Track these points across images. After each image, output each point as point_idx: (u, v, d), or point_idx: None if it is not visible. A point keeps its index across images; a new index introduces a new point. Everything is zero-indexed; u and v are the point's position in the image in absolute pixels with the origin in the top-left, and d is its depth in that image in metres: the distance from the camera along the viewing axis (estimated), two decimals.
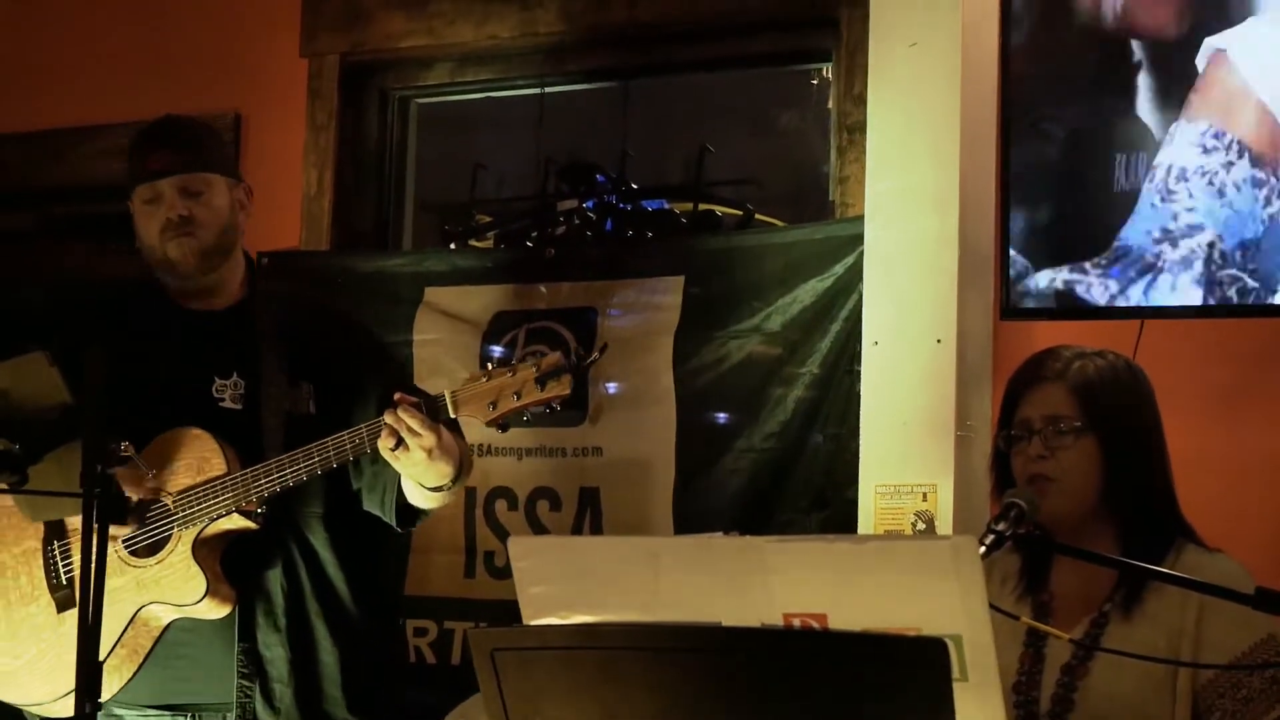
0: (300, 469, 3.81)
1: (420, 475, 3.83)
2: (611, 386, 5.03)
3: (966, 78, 4.36)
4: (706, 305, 4.96)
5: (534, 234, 5.29)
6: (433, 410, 3.73)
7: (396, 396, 3.74)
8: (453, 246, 5.44)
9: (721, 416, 4.94)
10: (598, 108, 5.60)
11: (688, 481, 4.88)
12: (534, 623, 2.61)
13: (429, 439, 3.71)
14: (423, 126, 5.90)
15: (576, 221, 5.22)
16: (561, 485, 5.00)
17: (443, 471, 3.83)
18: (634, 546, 2.66)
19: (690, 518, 4.82)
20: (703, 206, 5.18)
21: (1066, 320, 4.21)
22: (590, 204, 5.22)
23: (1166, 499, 3.31)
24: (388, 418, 3.71)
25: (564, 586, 2.61)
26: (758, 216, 5.18)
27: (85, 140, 5.97)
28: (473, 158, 5.65)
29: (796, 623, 2.43)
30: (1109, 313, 4.16)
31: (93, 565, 3.09)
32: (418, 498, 3.96)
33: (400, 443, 3.71)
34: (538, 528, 5.02)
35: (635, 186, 5.25)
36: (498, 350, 5.14)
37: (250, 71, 5.79)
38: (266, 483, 3.82)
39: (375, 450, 3.78)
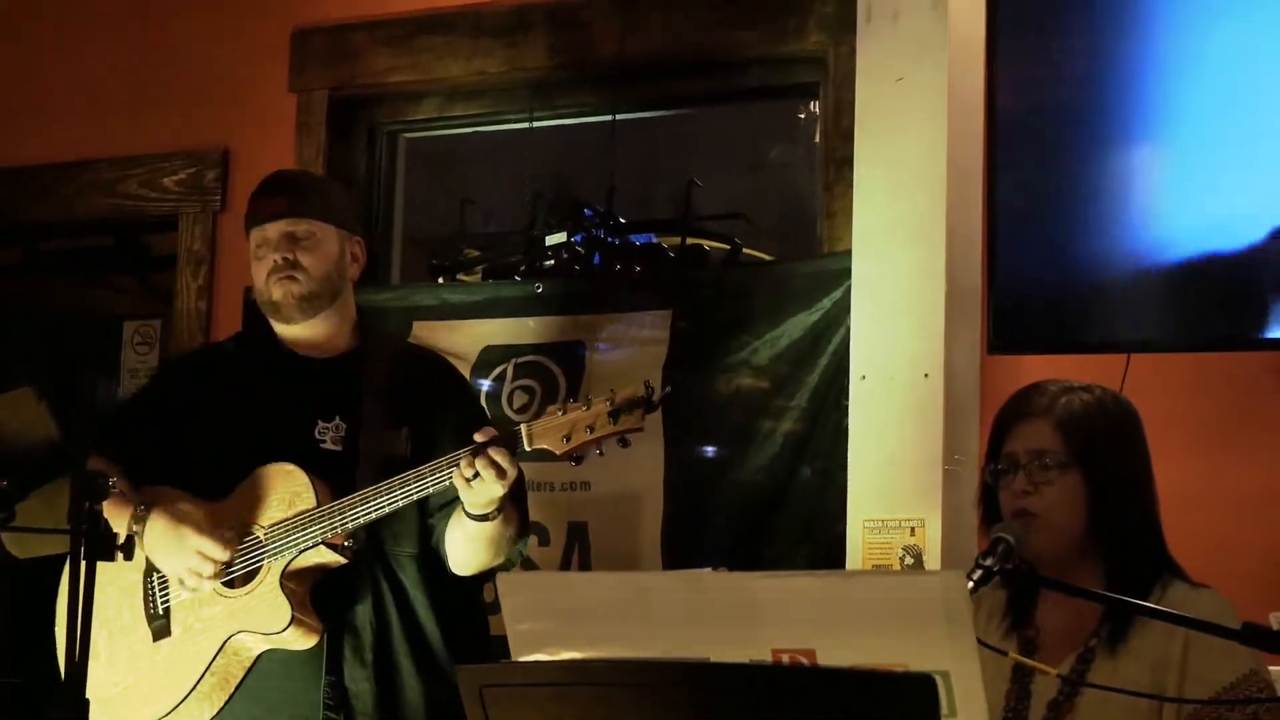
0: (384, 501, 3.92)
1: (478, 502, 3.90)
2: None
3: (953, 113, 4.38)
4: (694, 339, 4.96)
5: (522, 268, 5.30)
6: (510, 442, 3.85)
7: (481, 432, 3.85)
8: (440, 281, 5.45)
9: (710, 450, 4.94)
10: (586, 142, 5.60)
11: (676, 516, 4.88)
12: (523, 659, 2.61)
13: (505, 478, 3.83)
14: (411, 161, 5.91)
15: (564, 256, 5.22)
16: (550, 520, 5.00)
17: (496, 501, 3.91)
18: (622, 582, 2.67)
19: (679, 552, 4.82)
20: (690, 241, 5.18)
21: (1053, 355, 4.23)
22: (578, 238, 5.22)
23: (1153, 534, 3.31)
24: (479, 461, 3.80)
25: (552, 623, 2.61)
26: (745, 251, 5.18)
27: (73, 175, 5.98)
28: (461, 192, 5.65)
29: (785, 659, 2.44)
30: (1096, 347, 4.18)
31: (80, 601, 3.10)
32: (463, 554, 4.05)
33: (477, 474, 3.81)
34: (526, 563, 5.01)
35: (623, 221, 5.25)
36: (485, 384, 5.15)
37: (239, 106, 5.80)
38: (351, 515, 3.93)
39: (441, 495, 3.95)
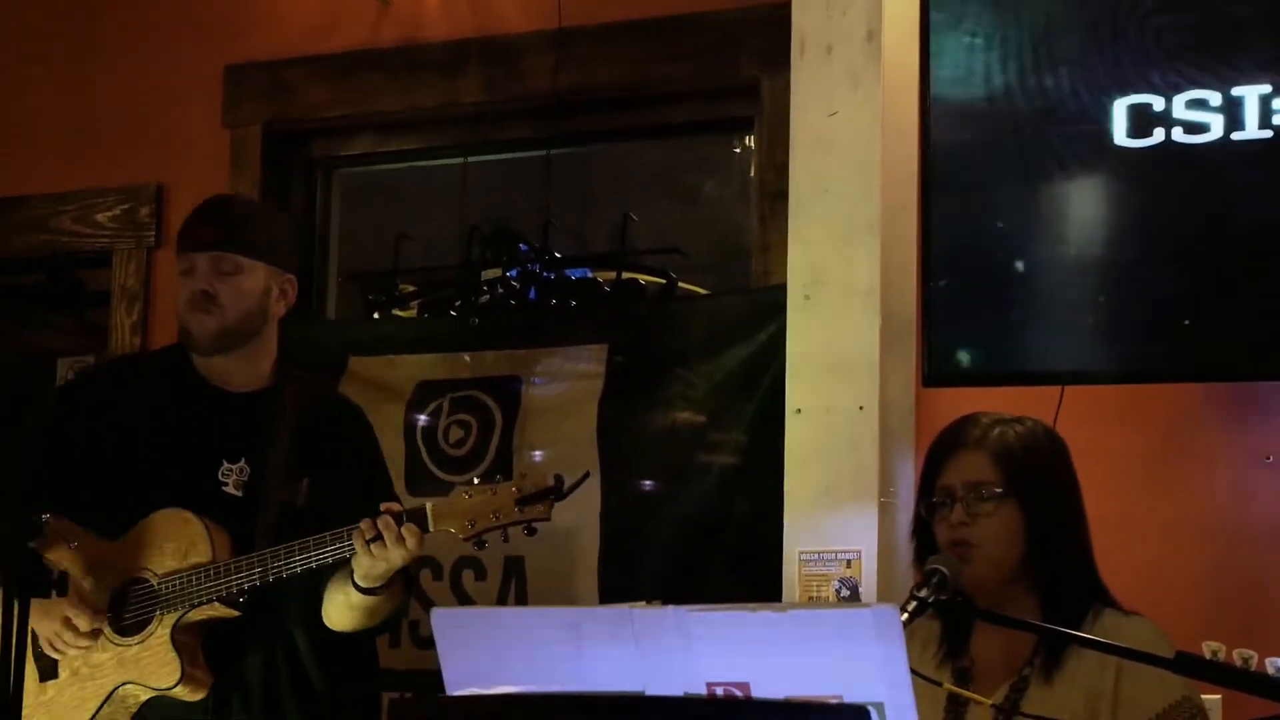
0: (280, 566, 3.85)
1: (371, 575, 3.84)
2: (536, 455, 5.03)
3: (887, 145, 4.39)
4: (630, 373, 4.97)
5: (458, 303, 5.29)
6: (421, 520, 3.79)
7: (383, 507, 3.80)
8: (376, 315, 5.44)
9: (646, 484, 4.94)
10: (521, 177, 5.60)
11: (613, 549, 4.87)
12: (457, 694, 2.60)
13: (408, 552, 3.78)
14: (346, 196, 5.90)
15: (500, 290, 5.23)
16: (486, 554, 4.94)
17: (386, 575, 3.86)
18: (556, 617, 2.66)
19: (615, 586, 4.82)
20: (626, 275, 5.19)
21: (987, 387, 4.24)
22: (514, 273, 5.23)
23: (1085, 563, 3.33)
24: (379, 523, 3.76)
25: (487, 657, 2.61)
26: (681, 285, 5.20)
27: (6, 212, 5.94)
28: (396, 227, 5.64)
29: (719, 691, 2.44)
30: (1030, 379, 4.19)
31: (14, 639, 3.08)
32: (339, 616, 4.00)
33: (378, 538, 3.76)
34: (463, 597, 5.01)
35: (559, 255, 5.26)
36: (422, 419, 5.14)
37: (172, 142, 5.77)
38: (248, 575, 3.86)
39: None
